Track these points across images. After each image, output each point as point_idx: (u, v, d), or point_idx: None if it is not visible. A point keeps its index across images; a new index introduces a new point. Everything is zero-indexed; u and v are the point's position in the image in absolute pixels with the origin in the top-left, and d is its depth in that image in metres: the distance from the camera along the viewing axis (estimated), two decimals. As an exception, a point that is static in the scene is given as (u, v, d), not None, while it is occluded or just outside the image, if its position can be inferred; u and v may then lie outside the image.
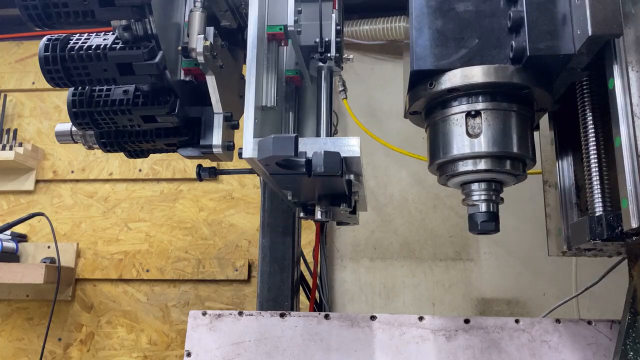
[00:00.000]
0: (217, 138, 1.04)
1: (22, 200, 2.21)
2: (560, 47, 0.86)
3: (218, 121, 1.05)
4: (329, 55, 1.06)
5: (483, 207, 0.98)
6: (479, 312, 1.97)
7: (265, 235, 1.53)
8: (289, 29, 0.97)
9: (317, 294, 1.77)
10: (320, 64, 1.08)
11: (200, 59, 0.94)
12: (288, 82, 1.15)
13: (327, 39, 1.06)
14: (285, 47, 1.09)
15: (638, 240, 0.87)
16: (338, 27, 1.08)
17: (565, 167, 1.13)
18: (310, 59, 1.11)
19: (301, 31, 1.05)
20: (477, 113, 0.94)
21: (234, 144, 1.11)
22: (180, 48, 0.95)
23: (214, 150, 1.05)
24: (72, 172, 2.20)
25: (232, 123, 1.07)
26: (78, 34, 0.96)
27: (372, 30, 2.04)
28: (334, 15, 1.07)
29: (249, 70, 0.92)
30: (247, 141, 0.89)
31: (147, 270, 2.06)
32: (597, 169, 0.91)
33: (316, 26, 1.06)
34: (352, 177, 0.99)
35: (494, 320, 1.17)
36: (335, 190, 1.01)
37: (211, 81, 0.99)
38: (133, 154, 1.13)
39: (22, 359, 2.06)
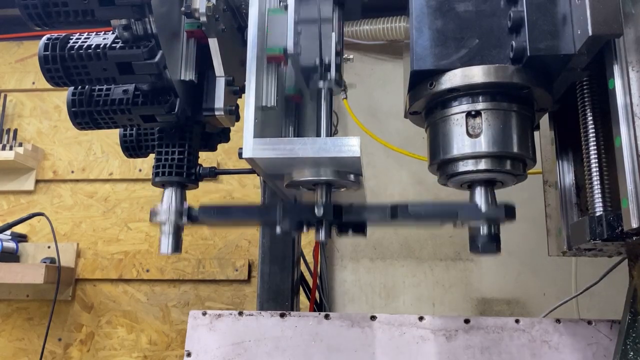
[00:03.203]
0: (219, 101, 1.04)
1: (22, 200, 2.21)
2: (560, 47, 0.86)
3: (220, 85, 1.04)
4: (329, 76, 1.04)
5: (484, 228, 0.97)
6: (479, 312, 1.97)
7: (265, 235, 1.53)
8: (288, 52, 0.95)
9: (317, 294, 1.77)
10: (320, 84, 1.06)
11: (203, 19, 0.94)
12: (288, 100, 1.15)
13: (327, 61, 1.05)
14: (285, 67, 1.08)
15: (638, 240, 0.87)
16: (338, 48, 1.07)
17: (566, 167, 1.13)
18: (311, 78, 1.10)
19: (301, 52, 1.03)
20: (478, 113, 0.94)
21: (236, 110, 1.11)
22: (183, 9, 0.95)
23: (216, 113, 1.04)
24: (72, 172, 2.20)
25: (233, 88, 1.08)
26: (78, 34, 0.96)
27: (372, 30, 2.04)
28: (333, 34, 1.06)
29: (249, 70, 0.91)
30: (247, 141, 0.88)
31: (147, 270, 2.06)
32: (597, 169, 0.91)
33: (316, 46, 1.04)
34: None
35: (494, 320, 1.17)
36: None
37: (213, 44, 0.99)
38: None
39: (22, 359, 2.06)
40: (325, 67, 1.04)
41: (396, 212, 0.98)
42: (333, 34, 1.06)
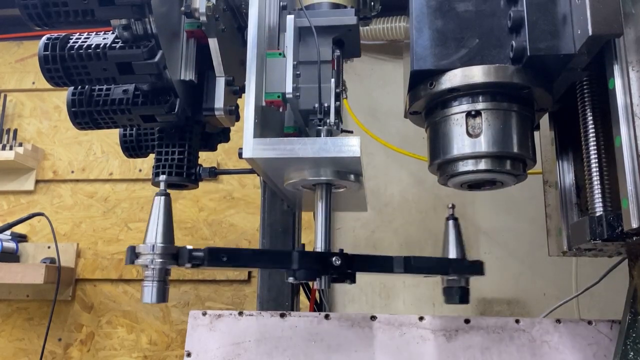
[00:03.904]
0: (219, 101, 1.04)
1: (22, 200, 2.21)
2: (560, 47, 0.86)
3: (220, 85, 1.04)
4: (328, 121, 1.03)
5: (463, 281, 1.10)
6: (479, 312, 1.97)
7: (265, 235, 1.52)
8: (287, 96, 0.95)
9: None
10: (319, 127, 1.04)
11: (203, 19, 0.94)
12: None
13: (326, 105, 1.03)
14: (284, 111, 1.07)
15: (638, 240, 0.87)
16: (337, 91, 1.06)
17: (566, 167, 1.13)
18: (310, 121, 1.09)
19: (300, 95, 1.02)
20: (478, 113, 0.94)
21: (236, 110, 1.11)
22: (183, 9, 0.95)
23: (216, 113, 1.04)
24: (72, 172, 2.20)
25: (233, 88, 1.07)
26: (78, 34, 0.96)
27: (372, 30, 2.04)
28: (332, 81, 1.05)
29: (249, 70, 0.92)
30: (247, 141, 0.88)
31: (147, 270, 2.06)
32: (597, 169, 0.91)
33: (315, 89, 1.03)
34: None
35: (495, 321, 1.17)
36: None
37: (213, 44, 0.99)
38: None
39: (22, 359, 2.06)
40: (324, 112, 1.03)
41: (400, 265, 1.02)
42: (332, 80, 1.05)
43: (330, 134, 1.04)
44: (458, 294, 1.10)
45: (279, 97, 0.94)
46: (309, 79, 1.05)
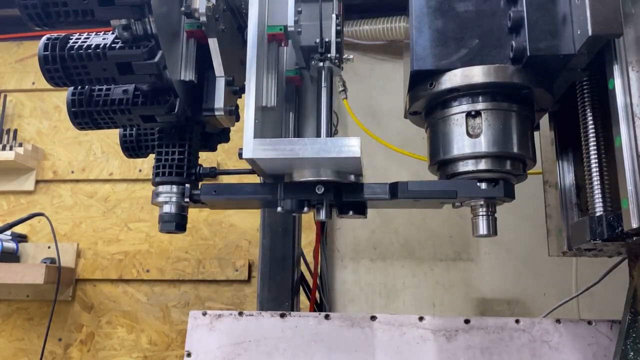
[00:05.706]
0: (219, 101, 1.04)
1: (22, 200, 2.21)
2: (560, 47, 0.87)
3: (220, 85, 1.05)
4: (329, 55, 1.06)
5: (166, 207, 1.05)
6: (479, 312, 1.97)
7: (265, 235, 1.53)
8: (289, 29, 0.97)
9: (317, 294, 1.77)
10: (321, 64, 1.08)
11: (203, 19, 0.94)
12: (288, 82, 1.15)
13: (327, 40, 1.06)
14: (285, 47, 1.09)
15: (638, 241, 0.87)
16: (338, 28, 1.08)
17: (566, 167, 1.13)
18: (311, 59, 1.11)
19: (301, 31, 1.05)
20: (478, 113, 0.94)
21: (236, 110, 1.11)
22: (183, 9, 0.95)
23: (216, 113, 1.04)
24: (72, 172, 2.19)
25: (233, 88, 1.08)
26: (78, 34, 0.96)
27: (372, 30, 2.04)
28: (334, 15, 1.07)
29: (249, 70, 0.92)
30: (247, 141, 0.89)
31: (147, 271, 2.06)
32: (597, 169, 0.91)
33: (316, 26, 1.06)
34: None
35: (495, 321, 1.17)
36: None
37: (213, 44, 0.99)
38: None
39: (22, 359, 2.06)
40: (325, 47, 1.05)
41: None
42: (333, 15, 1.07)
43: (331, 72, 1.07)
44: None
45: (280, 29, 0.96)
46: (311, 18, 1.08)
